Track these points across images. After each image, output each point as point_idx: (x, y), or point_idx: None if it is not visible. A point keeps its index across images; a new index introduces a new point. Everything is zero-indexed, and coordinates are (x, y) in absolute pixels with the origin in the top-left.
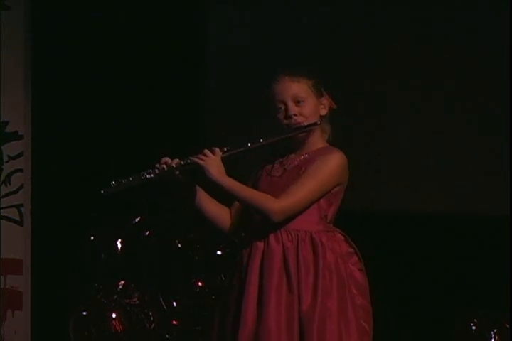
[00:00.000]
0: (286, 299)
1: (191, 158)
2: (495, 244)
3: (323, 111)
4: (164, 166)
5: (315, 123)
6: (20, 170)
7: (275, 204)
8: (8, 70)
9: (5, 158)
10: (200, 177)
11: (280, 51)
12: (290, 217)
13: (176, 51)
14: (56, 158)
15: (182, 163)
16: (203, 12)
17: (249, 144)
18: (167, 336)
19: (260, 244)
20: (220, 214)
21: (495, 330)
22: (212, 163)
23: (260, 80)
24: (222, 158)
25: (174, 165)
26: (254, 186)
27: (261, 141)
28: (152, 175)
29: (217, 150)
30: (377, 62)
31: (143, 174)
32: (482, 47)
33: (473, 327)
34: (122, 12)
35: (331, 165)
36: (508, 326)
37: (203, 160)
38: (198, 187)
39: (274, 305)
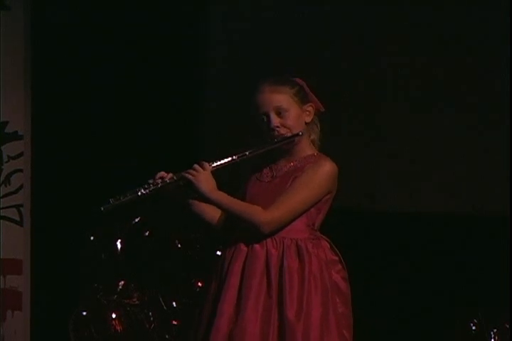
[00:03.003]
0: (264, 303)
1: (182, 174)
2: (495, 244)
3: (308, 118)
4: (159, 181)
5: (297, 135)
6: (20, 170)
7: (264, 216)
8: (8, 70)
9: (5, 158)
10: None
11: (280, 52)
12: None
13: (176, 51)
14: (56, 158)
15: (175, 178)
16: (203, 12)
17: (235, 157)
18: (167, 336)
19: (244, 248)
20: (215, 217)
21: (495, 330)
22: (202, 178)
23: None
24: (212, 171)
25: (168, 181)
26: (244, 191)
27: (247, 154)
28: (148, 191)
29: (206, 164)
30: (377, 61)
31: (139, 190)
32: (482, 47)
33: (473, 327)
34: (122, 12)
35: (321, 174)
36: (508, 326)
37: (193, 176)
38: (194, 196)
39: (252, 308)
